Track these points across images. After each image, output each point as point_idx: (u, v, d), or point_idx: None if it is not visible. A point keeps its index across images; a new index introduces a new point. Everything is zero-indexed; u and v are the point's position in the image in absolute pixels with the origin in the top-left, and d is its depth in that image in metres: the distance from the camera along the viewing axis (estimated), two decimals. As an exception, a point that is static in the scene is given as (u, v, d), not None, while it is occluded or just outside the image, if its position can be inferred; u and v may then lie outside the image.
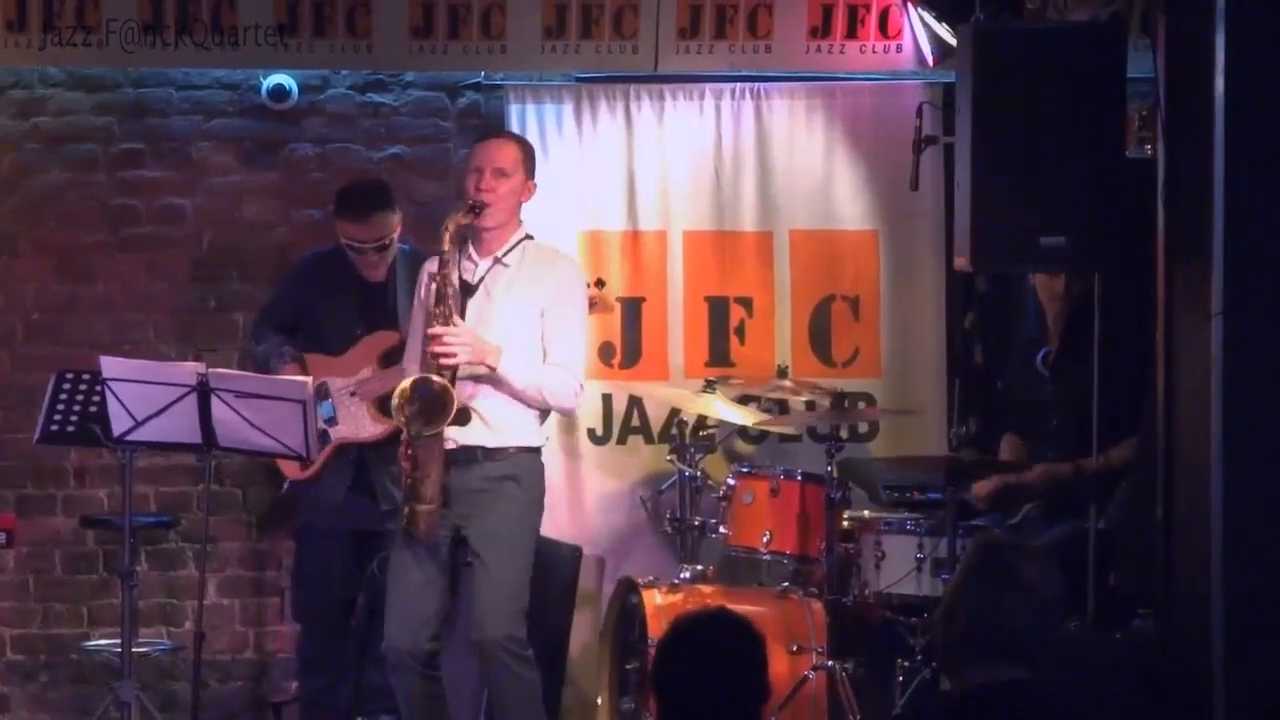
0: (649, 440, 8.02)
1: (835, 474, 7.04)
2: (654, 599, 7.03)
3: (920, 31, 7.80)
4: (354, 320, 7.36)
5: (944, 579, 6.66)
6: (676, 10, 7.81)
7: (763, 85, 8.04)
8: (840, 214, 8.08)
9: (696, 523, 7.33)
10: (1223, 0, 5.41)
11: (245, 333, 7.84)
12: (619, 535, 7.95)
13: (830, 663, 6.91)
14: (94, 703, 7.57)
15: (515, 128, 7.82)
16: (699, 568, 7.28)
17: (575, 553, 7.51)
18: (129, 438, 6.64)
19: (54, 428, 6.92)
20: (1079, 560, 6.24)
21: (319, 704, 7.55)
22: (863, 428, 8.08)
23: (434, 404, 6.24)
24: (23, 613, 7.99)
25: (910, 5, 7.77)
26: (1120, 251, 6.03)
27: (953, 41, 6.98)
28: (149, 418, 6.59)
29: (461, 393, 6.30)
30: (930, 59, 7.83)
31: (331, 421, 7.30)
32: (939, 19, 7.48)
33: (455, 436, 6.36)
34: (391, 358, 7.20)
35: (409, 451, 6.31)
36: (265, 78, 7.97)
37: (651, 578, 7.21)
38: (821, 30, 7.87)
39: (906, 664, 6.82)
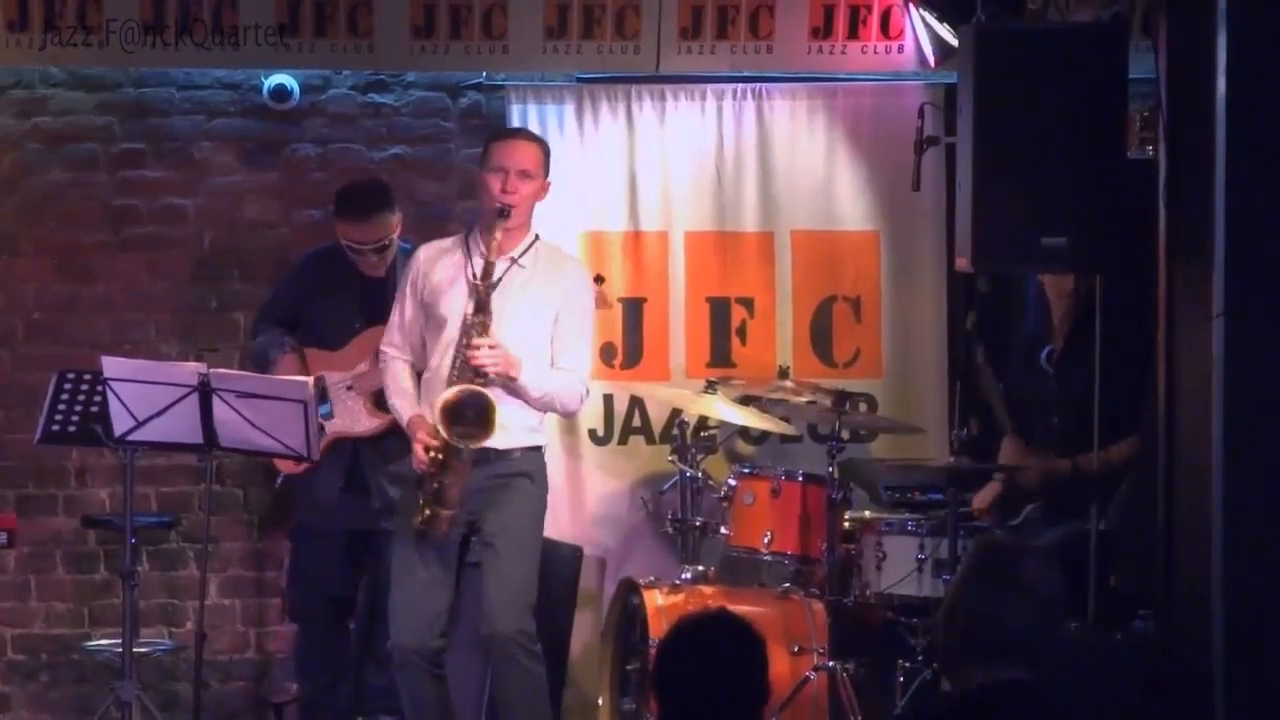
0: (650, 441, 8.02)
1: (836, 475, 7.04)
2: (655, 600, 7.03)
3: (922, 32, 7.80)
4: (353, 315, 7.35)
5: (945, 580, 6.66)
6: (678, 11, 7.81)
7: (764, 86, 8.04)
8: (841, 215, 8.08)
9: (698, 523, 7.33)
10: (1224, 1, 5.42)
11: (246, 333, 7.83)
12: (620, 536, 7.95)
13: (831, 663, 6.91)
14: (95, 703, 7.56)
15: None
16: (700, 568, 7.29)
17: (576, 553, 7.51)
18: (130, 438, 6.64)
19: (55, 428, 6.92)
20: (1080, 561, 6.24)
21: (318, 704, 7.54)
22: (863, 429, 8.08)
23: (483, 416, 6.25)
24: (24, 613, 7.99)
25: (912, 6, 7.77)
26: (1121, 252, 6.03)
27: (954, 42, 6.98)
28: (150, 418, 6.59)
29: None
30: (932, 60, 7.83)
31: (328, 416, 7.28)
32: (940, 20, 7.48)
33: None
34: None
35: (438, 457, 6.30)
36: (267, 78, 7.96)
37: (653, 578, 7.21)
38: (823, 31, 7.87)
39: (907, 664, 6.83)
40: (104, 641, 7.84)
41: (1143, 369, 6.29)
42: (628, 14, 7.80)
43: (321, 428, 7.21)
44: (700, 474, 7.36)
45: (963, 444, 6.98)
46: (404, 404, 6.54)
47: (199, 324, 8.02)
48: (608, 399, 8.00)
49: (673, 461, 7.49)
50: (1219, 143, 5.44)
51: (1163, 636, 5.81)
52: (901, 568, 6.87)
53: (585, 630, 7.69)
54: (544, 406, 6.51)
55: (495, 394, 6.34)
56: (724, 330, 8.05)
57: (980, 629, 4.01)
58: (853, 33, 7.86)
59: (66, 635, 7.98)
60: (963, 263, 6.16)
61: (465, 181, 7.92)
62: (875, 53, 7.90)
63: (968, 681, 4.03)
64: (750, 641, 4.03)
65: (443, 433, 6.27)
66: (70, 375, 6.93)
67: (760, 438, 7.97)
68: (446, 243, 6.65)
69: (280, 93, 7.97)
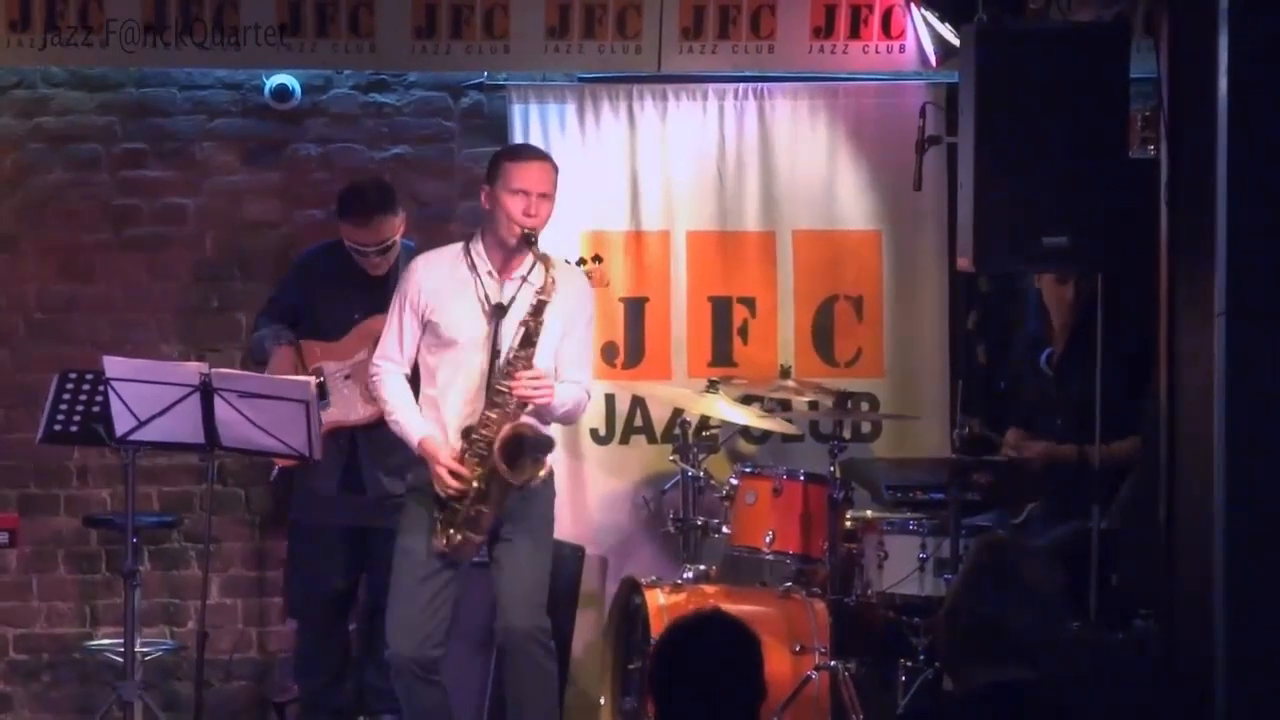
0: (652, 440, 8.02)
1: (838, 474, 7.05)
2: (657, 599, 7.03)
3: (923, 32, 7.80)
4: (353, 308, 7.33)
5: (947, 579, 6.66)
6: (679, 10, 7.81)
7: (766, 85, 8.04)
8: (843, 214, 8.08)
9: (699, 523, 7.33)
10: (1226, 1, 5.41)
11: (248, 332, 7.82)
12: (622, 535, 7.95)
13: (833, 663, 6.91)
14: (97, 703, 7.57)
15: (518, 128, 7.84)
16: (702, 568, 7.29)
17: (578, 553, 7.52)
18: (132, 438, 6.65)
19: (57, 427, 6.93)
20: (1081, 560, 6.24)
21: (318, 703, 7.54)
22: (865, 428, 8.09)
23: (542, 455, 6.31)
24: (25, 612, 7.99)
25: (913, 5, 7.77)
26: (1123, 252, 6.02)
27: (956, 42, 6.97)
28: (152, 418, 6.59)
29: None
30: (933, 59, 7.82)
31: (325, 406, 7.26)
32: (942, 19, 7.47)
33: None
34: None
35: (482, 488, 6.31)
36: (268, 78, 7.96)
37: (654, 578, 7.22)
38: (824, 30, 7.87)
39: (909, 664, 6.83)
40: (106, 641, 7.84)
41: (1143, 369, 6.29)
42: (629, 14, 7.80)
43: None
44: (702, 473, 7.37)
45: (964, 442, 6.99)
46: (410, 420, 6.48)
47: (200, 324, 8.02)
48: (609, 398, 8.00)
49: (674, 461, 7.50)
50: (1220, 142, 5.43)
51: (1164, 636, 5.81)
52: (903, 567, 6.87)
53: (587, 629, 7.69)
54: (559, 419, 6.56)
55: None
56: (726, 330, 8.05)
57: (982, 628, 4.01)
58: (854, 32, 7.86)
59: (68, 635, 7.99)
60: (964, 262, 6.16)
61: (467, 181, 7.92)
62: (877, 52, 7.90)
63: (969, 681, 4.03)
64: (745, 640, 4.03)
65: (501, 468, 6.27)
66: (72, 375, 6.94)
67: (762, 437, 7.98)
68: (445, 255, 6.57)
69: (282, 93, 7.97)
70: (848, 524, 7.09)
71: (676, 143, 8.01)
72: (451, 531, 6.34)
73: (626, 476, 7.99)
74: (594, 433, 7.99)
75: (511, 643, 6.40)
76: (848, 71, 8.00)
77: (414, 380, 6.59)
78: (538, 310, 6.36)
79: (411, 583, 6.41)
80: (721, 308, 8.06)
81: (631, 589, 7.26)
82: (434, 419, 6.46)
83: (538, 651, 6.37)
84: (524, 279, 6.45)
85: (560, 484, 7.10)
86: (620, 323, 7.99)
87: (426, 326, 6.50)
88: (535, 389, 6.33)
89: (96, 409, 6.82)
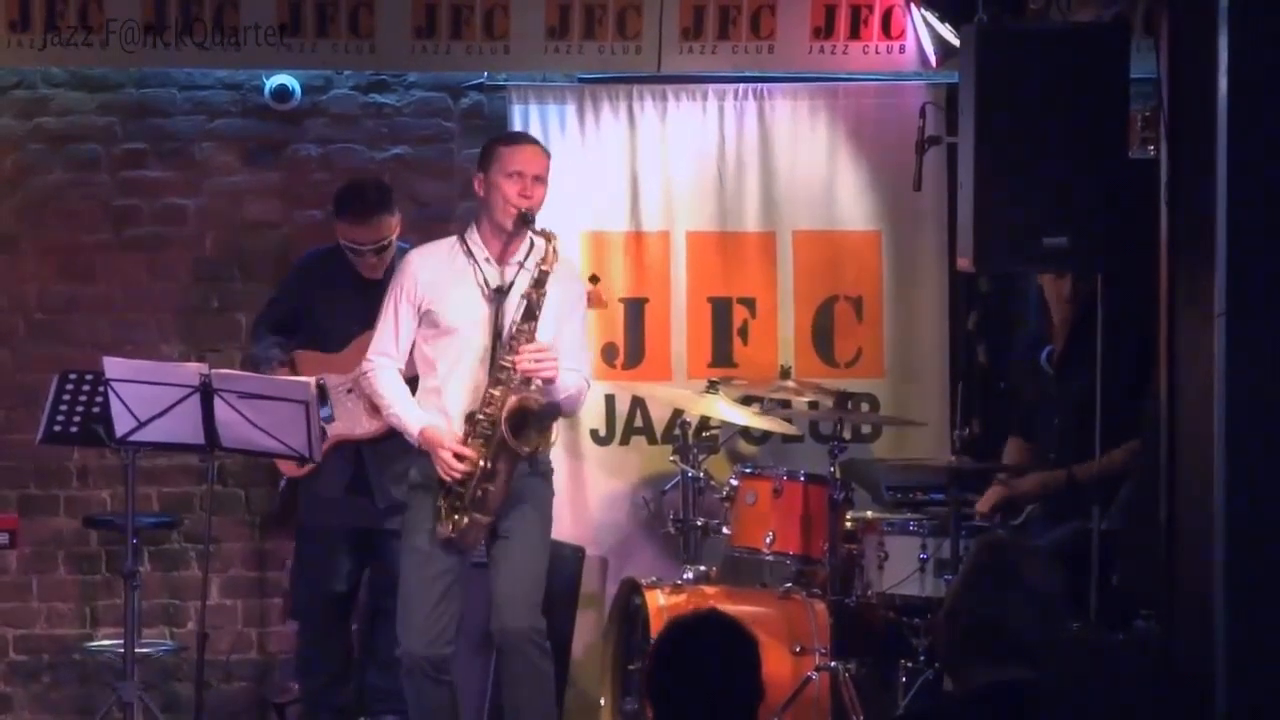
0: (652, 441, 8.02)
1: (838, 475, 7.04)
2: (657, 600, 7.03)
3: (923, 32, 7.80)
4: (352, 317, 7.33)
5: (947, 580, 6.65)
6: (679, 11, 7.82)
7: (766, 86, 8.04)
8: (843, 215, 8.08)
9: (699, 523, 7.33)
10: (1226, 1, 5.41)
11: (248, 332, 7.83)
12: (622, 536, 7.95)
13: (833, 664, 6.91)
14: (97, 703, 7.57)
15: (518, 128, 7.82)
16: (702, 568, 7.29)
17: (578, 553, 7.51)
18: (132, 438, 6.65)
19: (57, 428, 6.93)
20: (1082, 560, 6.24)
21: (318, 703, 7.54)
22: (865, 428, 8.08)
23: (547, 424, 6.31)
24: (25, 613, 8.00)
25: (913, 6, 7.77)
26: (1122, 252, 6.02)
27: (956, 42, 6.97)
28: (152, 418, 6.60)
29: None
30: (933, 59, 7.83)
31: (329, 419, 7.28)
32: (942, 19, 7.47)
33: None
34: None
35: (489, 467, 6.30)
36: (268, 78, 7.97)
37: (654, 578, 7.22)
38: (824, 31, 7.87)
39: (910, 665, 6.83)
40: (106, 642, 7.85)
41: (1143, 369, 6.28)
42: (629, 14, 7.80)
43: (323, 430, 7.22)
44: (702, 474, 7.36)
45: (964, 443, 6.98)
46: (408, 412, 6.47)
47: (200, 324, 8.02)
48: (609, 399, 8.00)
49: (674, 461, 7.50)
50: (1220, 143, 5.43)
51: (1165, 637, 5.81)
52: (904, 568, 6.87)
53: (587, 630, 7.69)
54: (565, 404, 6.50)
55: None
56: (726, 330, 8.05)
57: (982, 628, 4.01)
58: (854, 33, 7.86)
59: (68, 636, 7.99)
60: (964, 262, 6.16)
61: (467, 181, 7.85)
62: (877, 53, 7.90)
63: (970, 681, 4.03)
64: (742, 641, 4.02)
65: (508, 438, 6.25)
66: (72, 376, 6.93)
67: (762, 438, 7.97)
68: (440, 247, 6.58)
69: (281, 93, 7.97)
70: (848, 525, 7.08)
71: (676, 143, 8.02)
72: (457, 516, 6.32)
73: (626, 477, 7.99)
74: (594, 433, 7.99)
75: (507, 643, 6.39)
76: (848, 72, 8.01)
77: (411, 384, 6.59)
78: (540, 281, 6.34)
79: (421, 582, 6.41)
80: (721, 308, 8.06)
81: (632, 590, 7.26)
82: (435, 408, 6.45)
83: (533, 652, 6.36)
84: (521, 265, 6.44)
85: (560, 484, 7.11)
86: (620, 323, 7.99)
87: (424, 318, 6.48)
88: (538, 362, 6.31)
89: (96, 409, 6.82)
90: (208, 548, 7.16)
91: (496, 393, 6.32)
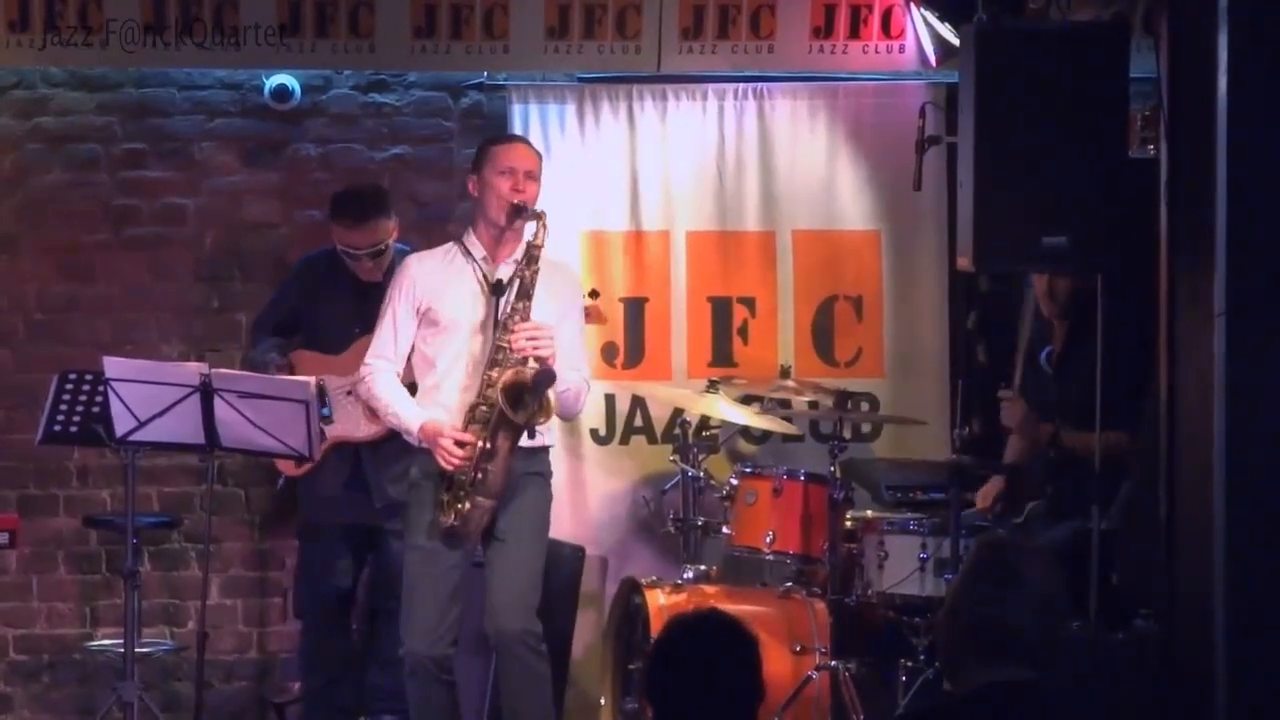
0: (652, 440, 8.02)
1: (838, 474, 7.05)
2: (657, 599, 7.04)
3: (923, 31, 7.80)
4: (352, 320, 7.34)
5: (947, 579, 6.66)
6: (679, 10, 7.82)
7: (765, 85, 8.04)
8: (843, 214, 8.08)
9: (699, 523, 7.33)
10: (1226, 1, 5.41)
11: (248, 332, 7.82)
12: (622, 535, 7.95)
13: (833, 663, 6.91)
14: (97, 703, 7.57)
15: (518, 128, 7.83)
16: (702, 568, 7.29)
17: (578, 553, 7.51)
18: (132, 438, 6.64)
19: (57, 428, 6.93)
20: (1082, 560, 6.23)
21: (319, 702, 7.54)
22: (865, 428, 8.09)
23: (544, 395, 6.26)
24: (25, 613, 7.99)
25: (913, 5, 7.77)
26: (1122, 251, 6.02)
27: (955, 41, 6.97)
28: (152, 418, 6.59)
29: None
30: (933, 59, 7.83)
31: (328, 420, 7.27)
32: (941, 19, 7.47)
33: None
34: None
35: (488, 446, 6.29)
36: (268, 78, 7.97)
37: (654, 578, 7.22)
38: (824, 30, 7.87)
39: (910, 664, 6.83)
40: (106, 642, 7.85)
41: (1142, 368, 6.29)
42: (629, 14, 7.80)
43: (322, 432, 7.22)
44: (702, 473, 7.36)
45: (964, 442, 6.99)
46: (407, 410, 6.46)
47: (200, 324, 8.02)
48: (609, 399, 8.00)
49: (674, 461, 7.50)
50: (1220, 142, 5.43)
51: (1165, 636, 5.81)
52: (903, 567, 6.87)
53: (587, 630, 7.69)
54: (565, 401, 6.47)
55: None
56: (725, 330, 8.05)
57: (982, 628, 4.00)
58: (854, 32, 7.86)
59: (68, 635, 7.99)
60: (964, 262, 6.16)
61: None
62: (876, 52, 7.90)
63: (970, 681, 4.03)
64: (742, 641, 4.01)
65: (506, 410, 6.24)
66: (72, 375, 6.93)
67: (762, 437, 7.98)
68: (438, 252, 6.59)
69: (281, 93, 7.97)
70: (848, 524, 7.09)
71: (676, 143, 8.02)
72: (460, 504, 6.32)
73: (626, 476, 7.99)
74: (594, 433, 7.99)
75: (501, 645, 6.39)
76: (847, 71, 8.01)
77: (409, 391, 6.58)
78: (531, 259, 6.34)
79: (424, 581, 6.40)
80: (721, 308, 8.06)
81: (632, 589, 7.26)
82: (434, 405, 6.44)
83: (527, 654, 6.35)
84: (517, 262, 6.44)
85: (560, 484, 7.11)
86: (620, 323, 7.99)
87: (423, 319, 6.49)
88: (533, 340, 6.29)
89: (96, 409, 6.81)
90: (208, 547, 7.16)
91: (494, 374, 6.32)
